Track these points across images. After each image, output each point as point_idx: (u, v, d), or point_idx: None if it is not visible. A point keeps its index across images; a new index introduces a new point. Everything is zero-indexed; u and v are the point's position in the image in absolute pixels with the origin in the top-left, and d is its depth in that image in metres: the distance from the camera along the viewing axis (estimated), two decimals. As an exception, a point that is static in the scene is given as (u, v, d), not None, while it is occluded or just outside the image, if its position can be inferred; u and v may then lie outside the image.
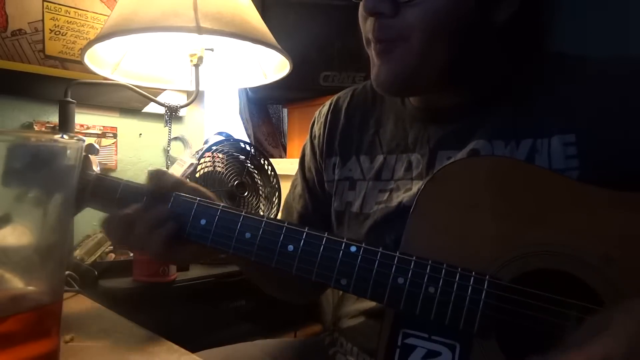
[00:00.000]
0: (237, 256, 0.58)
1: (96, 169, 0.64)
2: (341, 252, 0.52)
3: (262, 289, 0.77)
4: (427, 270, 0.49)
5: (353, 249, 0.52)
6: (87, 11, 1.23)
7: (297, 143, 1.53)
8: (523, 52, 0.65)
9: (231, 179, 1.14)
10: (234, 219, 0.56)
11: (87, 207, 0.63)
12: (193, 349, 0.55)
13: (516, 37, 0.63)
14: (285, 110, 1.66)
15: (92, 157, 0.65)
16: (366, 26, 0.62)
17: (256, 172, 1.22)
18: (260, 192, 1.21)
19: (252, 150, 1.21)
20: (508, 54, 0.64)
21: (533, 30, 0.64)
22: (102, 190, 0.62)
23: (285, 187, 1.25)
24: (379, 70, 0.61)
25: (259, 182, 1.21)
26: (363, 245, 0.52)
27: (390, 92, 0.65)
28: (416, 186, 0.63)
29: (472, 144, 0.61)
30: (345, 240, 0.52)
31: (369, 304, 0.66)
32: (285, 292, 0.79)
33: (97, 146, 0.68)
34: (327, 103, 0.79)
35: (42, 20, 1.16)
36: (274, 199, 1.22)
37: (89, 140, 1.25)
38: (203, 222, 0.57)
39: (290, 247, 0.54)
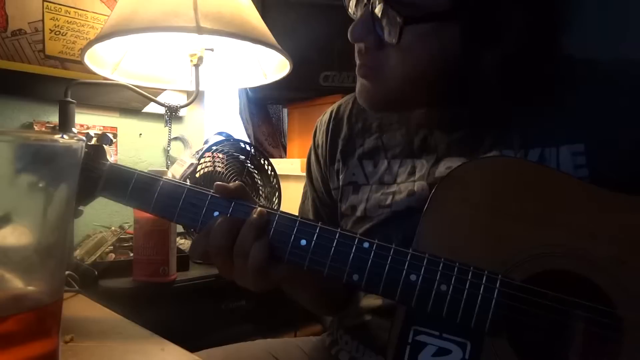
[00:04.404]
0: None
1: (110, 159, 0.64)
2: (354, 247, 0.52)
3: (303, 304, 0.76)
4: (440, 268, 0.49)
5: (366, 244, 0.52)
6: (87, 11, 1.23)
7: (297, 143, 1.53)
8: (526, 66, 0.64)
9: (231, 179, 1.14)
10: (248, 212, 0.56)
11: (101, 197, 0.63)
12: (193, 349, 0.55)
13: (514, 70, 0.61)
14: (285, 110, 1.66)
15: (106, 147, 0.65)
16: (356, 48, 0.62)
17: (256, 172, 1.22)
18: (260, 192, 1.21)
19: (252, 150, 1.21)
20: (508, 76, 0.62)
21: (539, 42, 0.62)
22: (116, 180, 0.62)
23: (285, 187, 1.25)
24: (360, 88, 0.63)
25: (259, 182, 1.21)
26: (376, 241, 0.52)
27: (371, 109, 0.66)
28: (418, 187, 0.63)
29: (482, 156, 0.60)
30: (358, 236, 0.53)
31: (375, 303, 0.66)
32: (322, 308, 0.80)
33: (110, 136, 0.67)
34: (328, 111, 0.79)
35: (42, 20, 1.16)
36: (274, 199, 1.22)
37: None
38: (216, 214, 0.57)
39: (303, 242, 0.54)
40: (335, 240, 0.53)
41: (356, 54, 0.62)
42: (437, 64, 0.57)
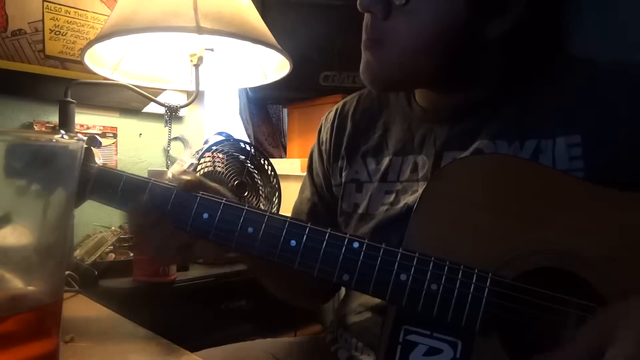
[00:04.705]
0: (243, 253, 0.57)
1: (98, 161, 0.64)
2: (344, 247, 0.52)
3: (272, 291, 0.77)
4: (430, 267, 0.49)
5: (356, 244, 0.52)
6: (87, 11, 1.23)
7: (297, 143, 1.53)
8: (527, 59, 0.65)
9: (231, 179, 1.14)
10: (237, 213, 0.56)
11: (89, 200, 0.63)
12: (193, 349, 0.55)
13: (516, 48, 0.63)
14: (285, 110, 1.66)
15: (94, 149, 0.65)
16: (364, 22, 0.63)
17: (256, 172, 1.22)
18: (260, 192, 1.21)
19: (252, 150, 1.21)
20: (509, 63, 0.64)
21: (542, 38, 0.63)
22: (104, 183, 0.62)
23: (285, 187, 1.25)
24: (363, 64, 0.63)
25: (259, 182, 1.21)
26: (366, 241, 0.52)
27: (371, 87, 0.66)
28: (422, 187, 0.63)
29: (476, 144, 0.61)
30: (348, 236, 0.53)
31: (374, 300, 0.66)
32: (295, 295, 0.80)
33: (99, 138, 0.68)
34: (334, 109, 0.80)
35: (42, 20, 1.16)
36: (274, 199, 1.22)
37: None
38: (205, 215, 0.57)
39: (293, 242, 0.54)
40: (325, 241, 0.53)
41: (363, 32, 0.62)
42: (441, 36, 0.57)
